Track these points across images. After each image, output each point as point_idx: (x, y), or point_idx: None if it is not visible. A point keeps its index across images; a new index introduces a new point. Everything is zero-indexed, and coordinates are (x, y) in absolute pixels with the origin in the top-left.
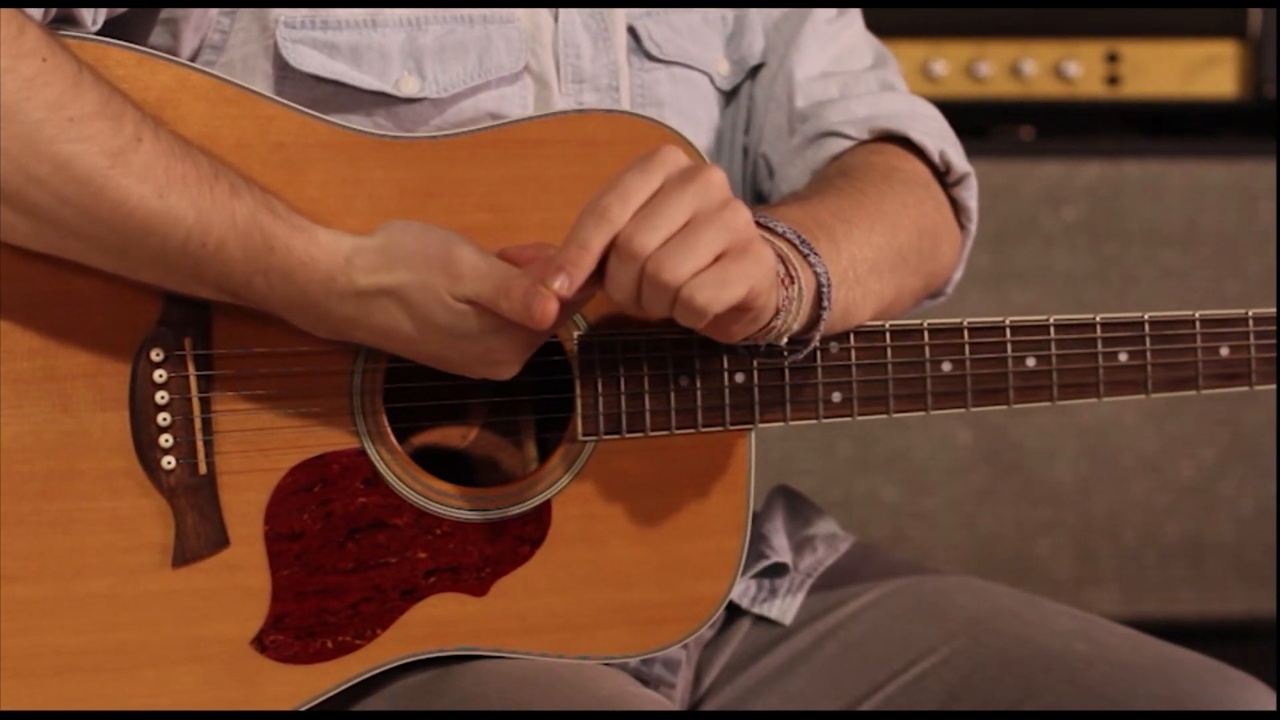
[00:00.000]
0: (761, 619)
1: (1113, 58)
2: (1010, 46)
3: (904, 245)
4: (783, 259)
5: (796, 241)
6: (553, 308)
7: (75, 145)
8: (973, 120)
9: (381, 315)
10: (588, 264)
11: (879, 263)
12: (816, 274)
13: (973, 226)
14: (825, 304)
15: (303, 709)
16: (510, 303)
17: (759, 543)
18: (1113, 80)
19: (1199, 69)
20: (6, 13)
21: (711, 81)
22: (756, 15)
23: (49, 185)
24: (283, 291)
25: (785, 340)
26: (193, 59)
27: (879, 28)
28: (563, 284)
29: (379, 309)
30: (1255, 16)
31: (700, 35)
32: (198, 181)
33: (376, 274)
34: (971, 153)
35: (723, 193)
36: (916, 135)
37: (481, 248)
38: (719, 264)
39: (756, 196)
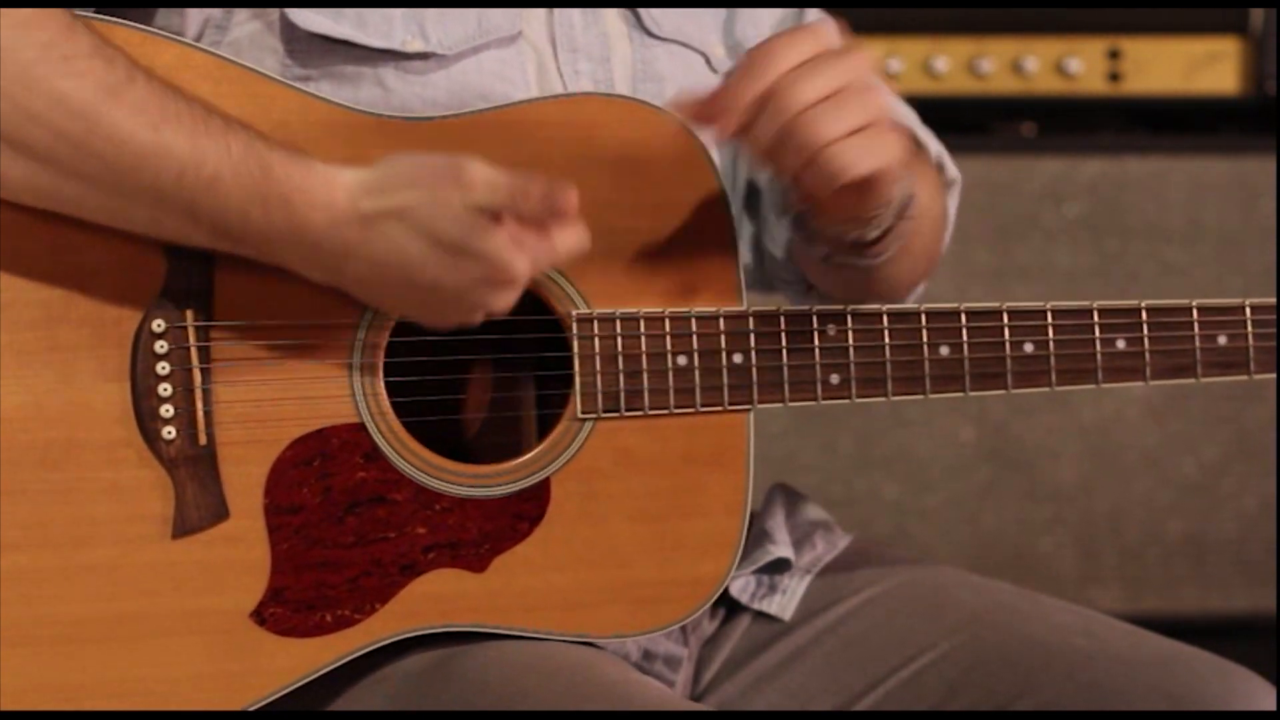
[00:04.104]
0: (761, 615)
1: (1114, 54)
2: (1012, 43)
3: (932, 210)
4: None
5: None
6: (574, 198)
7: (70, 80)
8: (974, 117)
9: (381, 241)
10: (739, 110)
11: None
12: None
13: (947, 237)
14: (947, 175)
15: (302, 683)
16: (529, 200)
17: (761, 539)
18: (1114, 77)
19: (1200, 66)
20: None
21: (708, 62)
22: (748, 16)
23: (45, 120)
24: (280, 221)
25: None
26: (197, 39)
27: (881, 25)
28: (715, 133)
29: (379, 235)
30: (1256, 14)
31: (695, 17)
32: (192, 117)
33: (381, 197)
34: (973, 149)
35: (871, 73)
36: (922, 134)
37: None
38: (863, 133)
39: (748, 185)
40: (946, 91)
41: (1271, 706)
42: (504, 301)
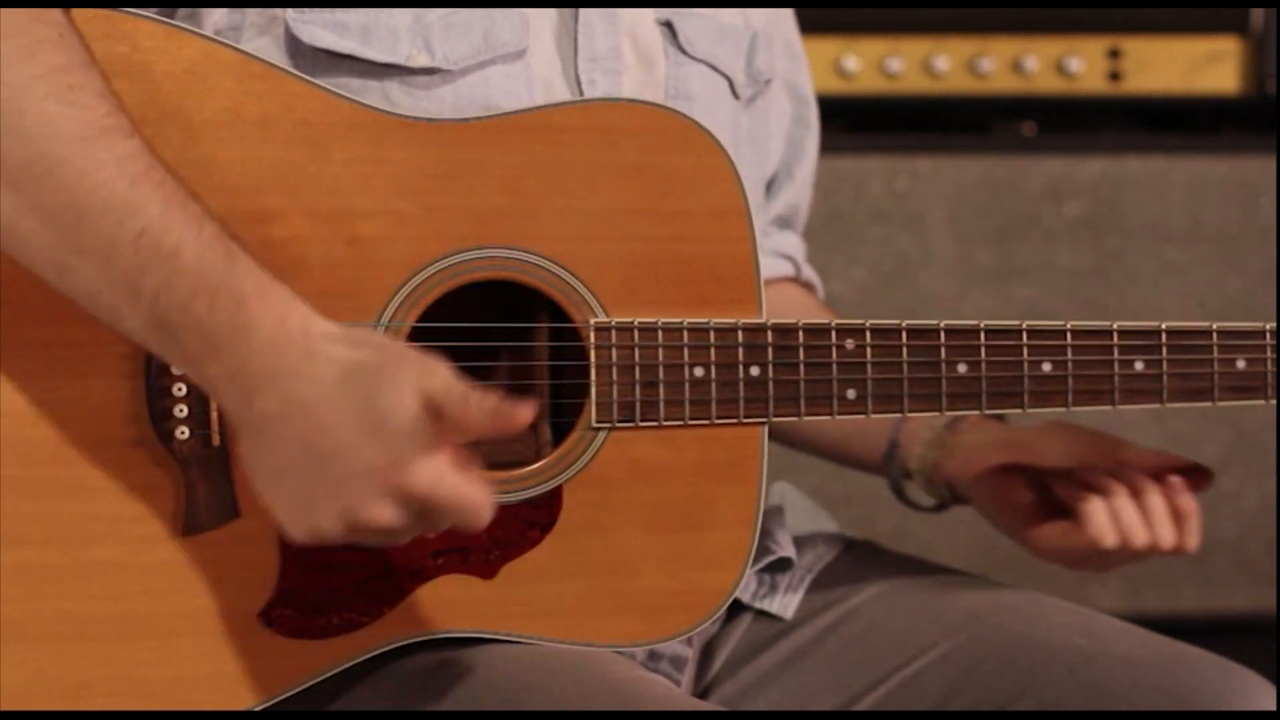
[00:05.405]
0: (763, 614)
1: (1115, 54)
2: (1012, 43)
3: None
4: None
5: None
6: (528, 414)
7: (68, 109)
8: (975, 116)
9: (311, 384)
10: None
11: None
12: None
13: None
14: None
15: (307, 685)
16: (481, 407)
17: (763, 538)
18: (1114, 76)
19: (1201, 65)
20: None
21: (732, 87)
22: (764, 48)
23: (27, 137)
24: (224, 318)
25: None
26: None
27: (881, 25)
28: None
29: (314, 375)
30: (1256, 14)
31: (723, 41)
32: (175, 191)
33: (339, 345)
34: (973, 149)
35: None
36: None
37: None
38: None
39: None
40: (946, 91)
41: (1271, 706)
42: (376, 513)
